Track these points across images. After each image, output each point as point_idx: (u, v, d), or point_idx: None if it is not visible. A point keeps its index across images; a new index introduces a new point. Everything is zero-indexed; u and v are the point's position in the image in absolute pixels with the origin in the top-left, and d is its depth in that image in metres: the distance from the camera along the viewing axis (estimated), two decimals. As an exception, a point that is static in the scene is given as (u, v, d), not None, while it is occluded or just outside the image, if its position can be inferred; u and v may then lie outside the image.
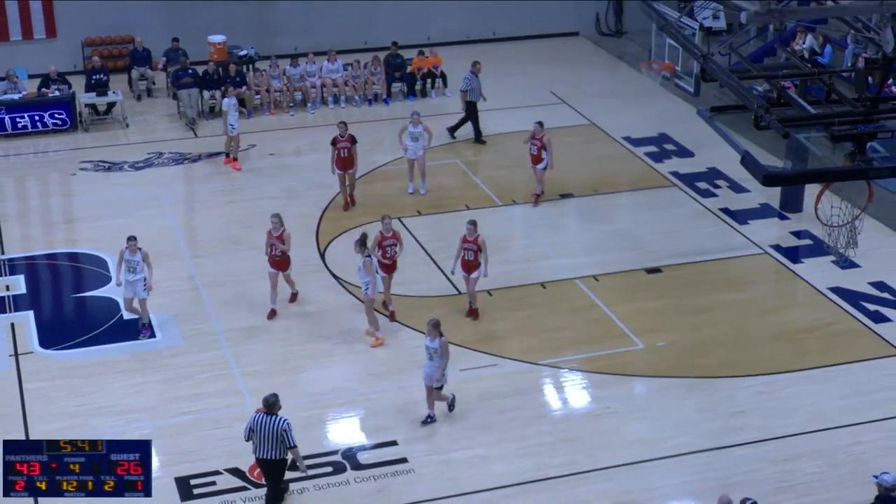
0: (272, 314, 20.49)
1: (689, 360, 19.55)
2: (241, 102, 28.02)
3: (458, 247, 20.30)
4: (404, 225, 23.53)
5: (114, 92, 29.59)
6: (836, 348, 19.96)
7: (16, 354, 19.50)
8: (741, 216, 24.55)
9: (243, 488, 16.18)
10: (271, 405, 15.30)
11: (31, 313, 20.73)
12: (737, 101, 15.96)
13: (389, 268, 20.38)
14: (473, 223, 20.22)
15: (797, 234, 23.79)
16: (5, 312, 20.79)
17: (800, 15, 18.45)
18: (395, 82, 31.28)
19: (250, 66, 31.01)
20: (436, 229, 23.73)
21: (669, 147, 28.12)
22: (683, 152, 27.76)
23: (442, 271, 22.01)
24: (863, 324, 20.67)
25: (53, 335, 19.77)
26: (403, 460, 16.96)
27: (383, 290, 20.42)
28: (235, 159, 26.75)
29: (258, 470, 16.32)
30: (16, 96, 28.65)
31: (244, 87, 29.63)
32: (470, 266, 20.14)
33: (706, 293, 21.71)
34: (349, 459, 16.99)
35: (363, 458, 16.99)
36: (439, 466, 16.85)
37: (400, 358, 19.31)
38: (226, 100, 26.85)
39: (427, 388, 17.65)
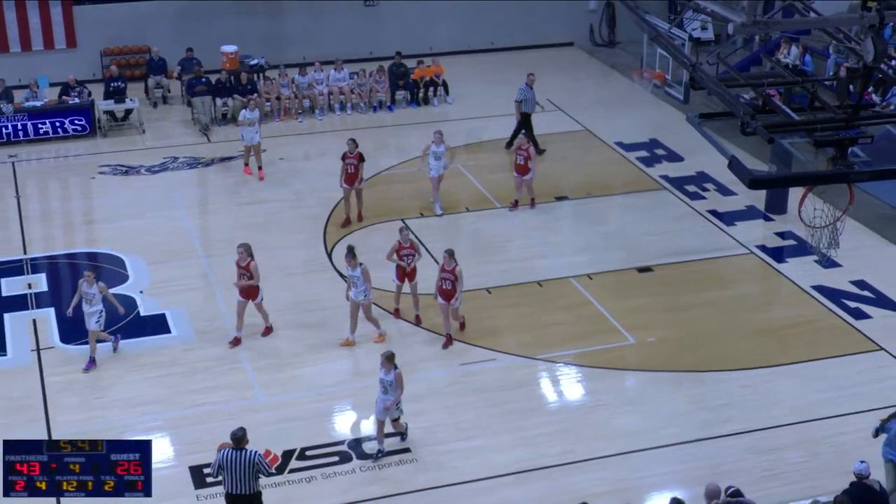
0: (235, 342, 19.58)
1: (678, 354, 19.55)
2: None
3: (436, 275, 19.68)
4: (407, 225, 23.48)
5: (131, 99, 29.59)
6: (818, 344, 19.95)
7: (38, 349, 19.52)
8: (728, 218, 24.54)
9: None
10: (239, 439, 14.27)
11: (52, 310, 20.72)
12: (724, 108, 15.94)
13: (410, 276, 20.13)
14: (450, 252, 19.28)
15: (781, 235, 23.78)
16: (28, 309, 20.80)
17: (784, 26, 18.46)
18: (399, 90, 31.27)
19: (261, 74, 31.00)
20: (438, 230, 23.72)
21: (660, 152, 28.10)
22: (673, 157, 27.74)
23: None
24: (844, 320, 20.66)
25: (73, 331, 19.75)
26: (406, 450, 16.96)
27: (412, 295, 20.25)
28: (260, 168, 26.36)
29: (270, 457, 16.33)
30: (38, 103, 28.64)
31: (255, 95, 29.63)
32: (448, 294, 19.27)
33: (695, 291, 21.71)
34: (354, 449, 17.00)
35: (368, 447, 16.99)
36: (441, 456, 16.86)
37: (403, 353, 19.17)
38: (256, 112, 26.49)
39: (379, 422, 16.67)
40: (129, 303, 20.73)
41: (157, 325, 20.22)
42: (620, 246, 23.37)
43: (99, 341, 19.02)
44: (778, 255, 23.05)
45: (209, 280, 21.76)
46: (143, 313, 20.57)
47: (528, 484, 16.28)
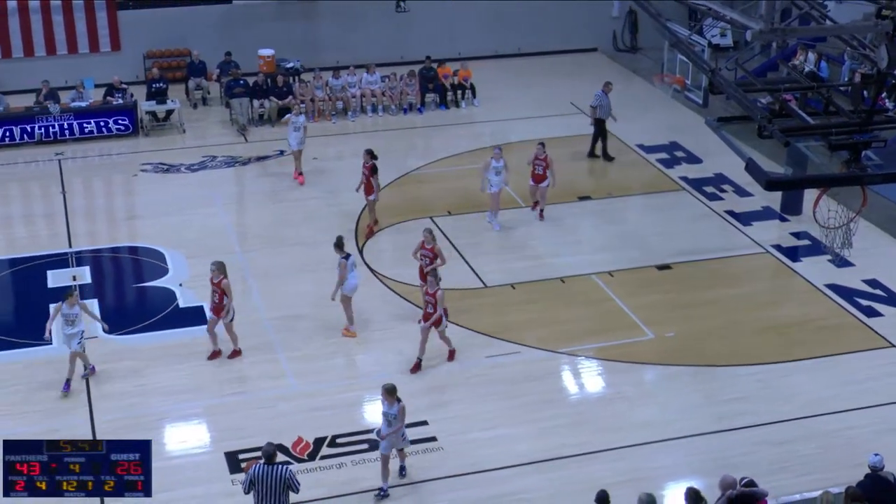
0: (214, 355, 18.92)
1: (694, 349, 19.47)
2: (287, 111, 27.92)
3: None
4: (436, 224, 23.53)
5: (172, 100, 29.72)
6: (830, 340, 19.84)
7: (81, 338, 19.60)
8: (745, 218, 24.43)
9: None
10: (270, 455, 13.95)
11: (95, 301, 20.82)
12: (742, 112, 15.91)
13: (422, 276, 19.93)
14: (435, 275, 18.70)
15: (796, 235, 23.66)
16: (72, 300, 20.93)
17: (801, 33, 18.38)
18: (429, 93, 31.29)
19: (296, 77, 31.05)
20: (464, 227, 23.72)
21: (679, 154, 27.99)
22: (692, 159, 27.63)
23: (470, 266, 22.05)
24: (856, 318, 20.54)
25: (116, 321, 19.88)
26: (433, 439, 16.98)
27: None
28: (301, 172, 26.16)
29: (302, 444, 16.40)
30: (83, 104, 28.82)
31: (290, 97, 29.70)
32: (430, 317, 18.44)
33: (712, 288, 21.63)
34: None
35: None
36: (464, 445, 16.86)
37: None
38: (302, 117, 26.17)
39: (383, 457, 15.58)
40: (169, 295, 20.84)
41: (195, 316, 20.26)
42: (640, 244, 23.30)
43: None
44: (793, 254, 22.93)
45: (245, 274, 21.83)
46: (181, 305, 20.66)
47: (547, 473, 16.25)
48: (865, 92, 16.74)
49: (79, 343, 17.94)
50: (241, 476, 15.84)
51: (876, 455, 14.42)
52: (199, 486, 15.85)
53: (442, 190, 25.63)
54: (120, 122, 28.87)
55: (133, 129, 28.93)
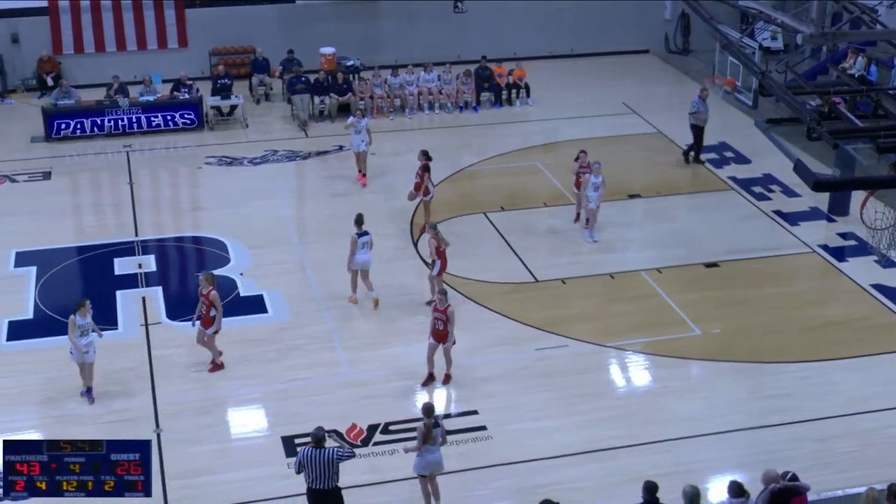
0: (215, 367, 18.44)
1: (740, 346, 19.34)
2: (347, 107, 28.04)
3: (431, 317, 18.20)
4: (489, 219, 23.56)
5: (236, 96, 29.98)
6: (874, 339, 19.61)
7: (146, 324, 19.87)
8: (792, 218, 24.21)
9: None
10: (320, 439, 14.04)
11: (160, 289, 21.10)
12: (791, 114, 15.80)
13: (432, 267, 20.00)
14: (444, 293, 17.98)
15: (843, 236, 23.41)
16: (138, 287, 21.19)
17: (851, 37, 18.20)
18: (484, 92, 31.30)
19: (356, 75, 31.19)
20: (516, 223, 23.73)
21: (729, 154, 27.80)
22: (741, 159, 27.43)
23: (521, 260, 22.05)
24: (901, 318, 20.34)
25: (179, 308, 20.10)
26: (483, 428, 17.01)
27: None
28: (364, 174, 25.93)
29: (356, 431, 16.50)
30: (151, 98, 29.14)
31: (350, 94, 29.84)
32: (440, 335, 17.77)
33: (758, 286, 21.46)
34: (434, 425, 17.07)
35: (447, 425, 16.97)
36: (513, 434, 16.87)
37: (479, 336, 19.33)
38: (364, 120, 25.53)
39: (424, 478, 14.97)
40: (230, 284, 21.04)
41: (256, 305, 20.47)
42: (688, 242, 23.17)
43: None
44: (839, 254, 22.69)
45: (304, 265, 21.99)
46: (242, 294, 20.85)
47: (594, 463, 16.23)
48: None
49: (95, 352, 17.33)
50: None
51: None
52: (256, 468, 15.99)
53: (495, 186, 25.65)
54: (186, 116, 29.16)
55: (198, 124, 29.21)
